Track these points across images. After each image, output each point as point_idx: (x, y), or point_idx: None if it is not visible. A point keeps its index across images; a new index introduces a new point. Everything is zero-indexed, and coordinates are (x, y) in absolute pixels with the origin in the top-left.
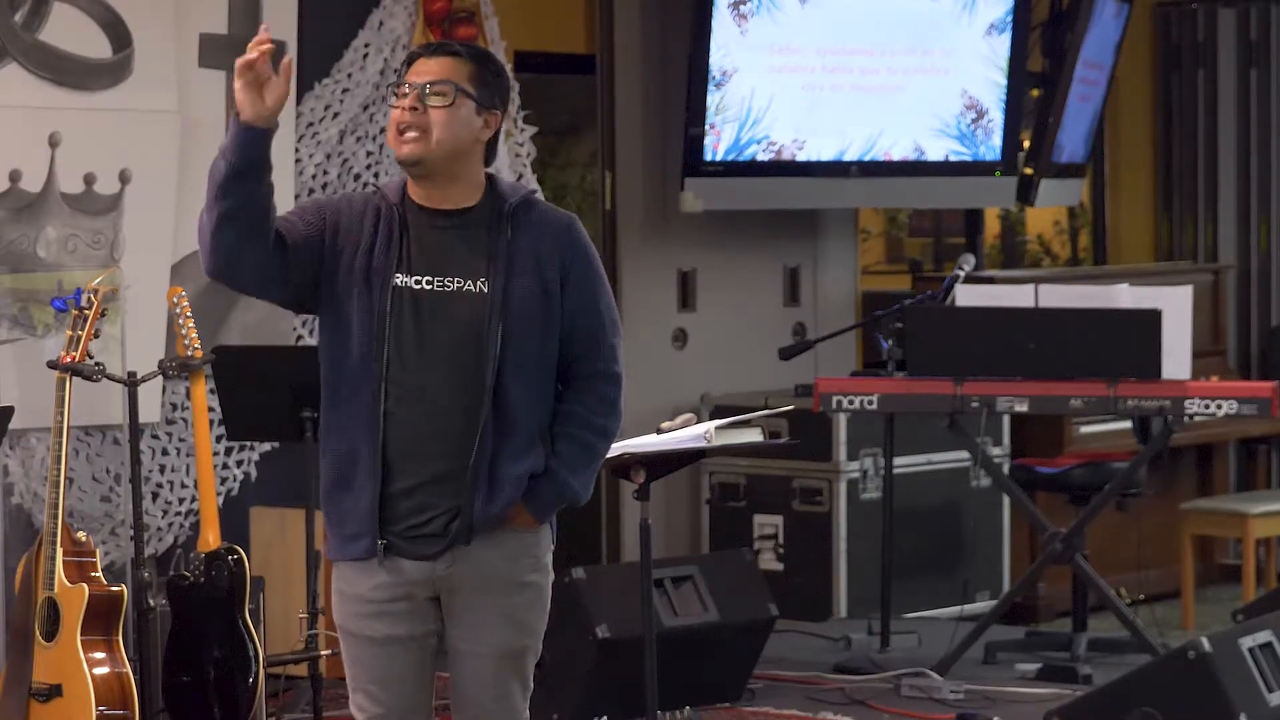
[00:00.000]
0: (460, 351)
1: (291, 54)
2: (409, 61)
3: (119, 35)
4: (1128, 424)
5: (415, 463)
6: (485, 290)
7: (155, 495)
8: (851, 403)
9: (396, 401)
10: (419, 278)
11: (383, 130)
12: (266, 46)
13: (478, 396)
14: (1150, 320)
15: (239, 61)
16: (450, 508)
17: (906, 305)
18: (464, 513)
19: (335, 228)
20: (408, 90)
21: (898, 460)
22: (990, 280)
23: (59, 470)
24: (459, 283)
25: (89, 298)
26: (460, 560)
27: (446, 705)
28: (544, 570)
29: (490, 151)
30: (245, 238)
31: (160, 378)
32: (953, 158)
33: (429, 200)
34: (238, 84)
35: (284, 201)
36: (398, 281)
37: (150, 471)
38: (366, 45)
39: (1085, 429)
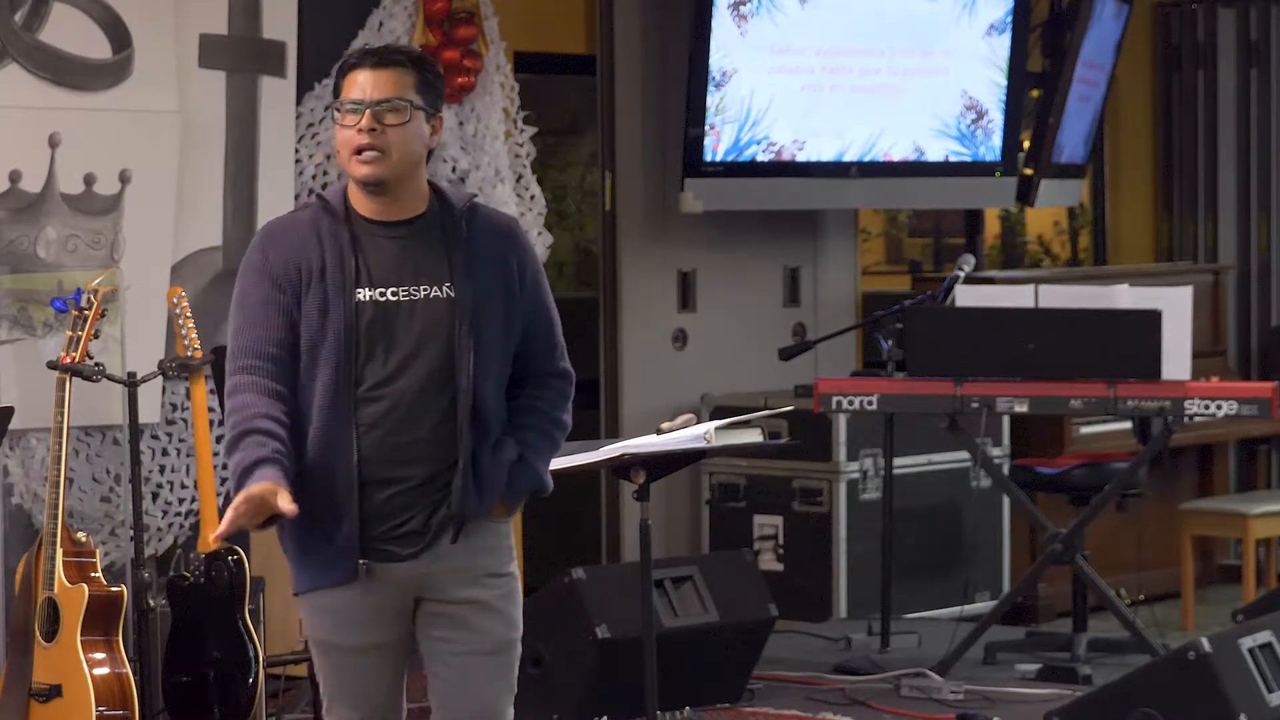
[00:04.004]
0: (430, 357)
1: None
2: (345, 71)
3: (119, 35)
4: (1128, 424)
5: (392, 473)
6: (451, 294)
7: (155, 495)
8: (851, 403)
9: (370, 416)
10: (381, 290)
11: None
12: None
13: (451, 400)
14: (1150, 320)
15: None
16: (429, 504)
17: (906, 306)
18: (455, 515)
19: (296, 290)
20: (355, 108)
21: (898, 460)
22: (990, 281)
23: (59, 470)
24: (425, 289)
25: (89, 298)
26: (442, 558)
27: (420, 708)
28: (514, 561)
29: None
30: None
31: (160, 378)
32: (953, 158)
33: (379, 213)
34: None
35: (282, 204)
36: (360, 296)
37: (150, 472)
38: (366, 46)
39: (1085, 429)
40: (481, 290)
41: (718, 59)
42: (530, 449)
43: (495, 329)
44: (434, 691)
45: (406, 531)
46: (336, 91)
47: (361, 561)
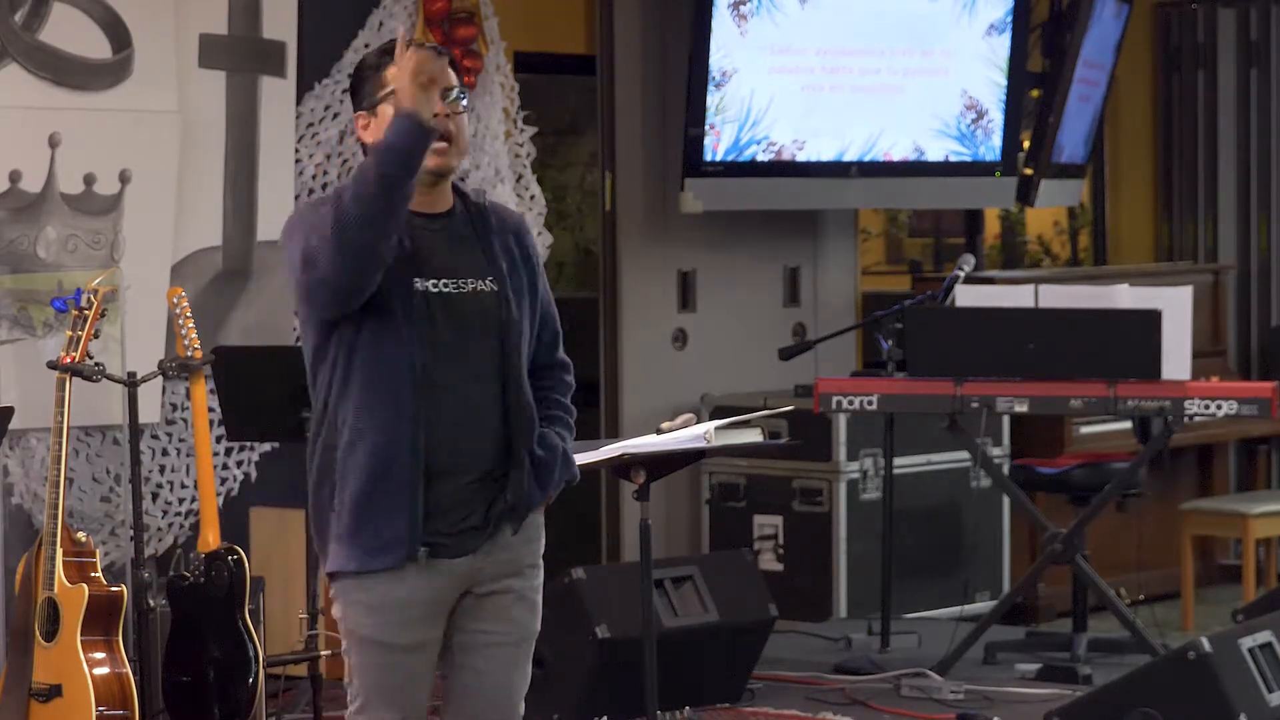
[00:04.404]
0: (481, 348)
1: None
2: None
3: (119, 35)
4: (1128, 424)
5: (453, 462)
6: (494, 286)
7: (155, 495)
8: (851, 403)
9: (431, 405)
10: (434, 281)
11: None
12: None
13: (499, 391)
14: (1150, 320)
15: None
16: (486, 497)
17: (906, 306)
18: (518, 504)
19: None
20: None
21: (898, 460)
22: (990, 280)
23: (59, 470)
24: (472, 283)
25: (89, 298)
26: (494, 550)
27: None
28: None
29: None
30: (388, 240)
31: (160, 378)
32: (953, 158)
33: (419, 205)
34: (416, 83)
35: (282, 204)
36: (417, 286)
37: (150, 471)
38: (366, 45)
39: (1085, 429)
40: (515, 282)
41: (718, 59)
42: (563, 440)
43: (525, 319)
44: (459, 683)
45: (469, 526)
46: (367, 84)
47: (423, 548)
